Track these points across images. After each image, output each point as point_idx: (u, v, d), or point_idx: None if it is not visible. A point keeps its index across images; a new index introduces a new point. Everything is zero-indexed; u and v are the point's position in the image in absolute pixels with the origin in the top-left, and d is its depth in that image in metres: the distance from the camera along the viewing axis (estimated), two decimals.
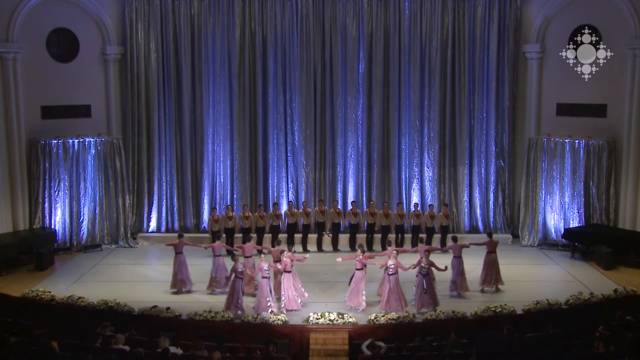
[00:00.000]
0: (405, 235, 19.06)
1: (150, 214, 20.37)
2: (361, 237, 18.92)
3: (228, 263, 15.14)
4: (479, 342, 11.17)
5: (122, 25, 19.81)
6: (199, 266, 16.47)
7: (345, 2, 19.94)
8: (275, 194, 20.42)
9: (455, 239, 15.82)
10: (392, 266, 14.32)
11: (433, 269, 14.49)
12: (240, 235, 18.45)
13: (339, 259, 15.39)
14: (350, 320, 13.44)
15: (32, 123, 18.61)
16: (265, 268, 14.29)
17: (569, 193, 19.19)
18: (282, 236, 18.66)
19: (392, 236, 18.71)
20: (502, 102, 20.24)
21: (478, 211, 20.55)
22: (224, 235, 18.16)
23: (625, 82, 18.11)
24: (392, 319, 13.38)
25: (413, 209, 19.23)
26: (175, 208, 20.46)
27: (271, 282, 14.60)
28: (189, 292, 15.60)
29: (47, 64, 18.89)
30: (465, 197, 20.50)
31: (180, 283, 15.57)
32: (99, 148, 19.38)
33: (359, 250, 14.88)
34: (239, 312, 13.93)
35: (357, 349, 12.33)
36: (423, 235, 18.23)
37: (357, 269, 14.54)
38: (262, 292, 14.18)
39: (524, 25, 20.06)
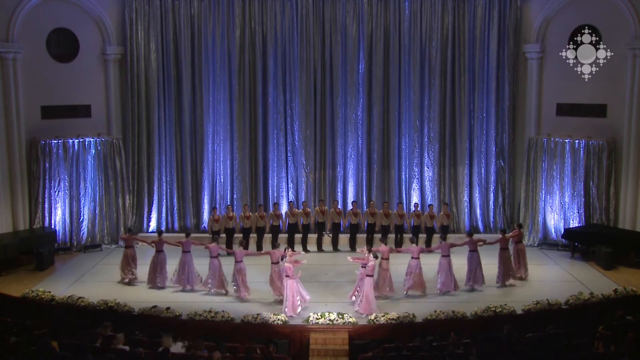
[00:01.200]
0: (405, 235, 19.01)
1: (150, 214, 20.37)
2: (361, 237, 18.94)
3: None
4: (479, 342, 11.21)
5: (122, 25, 19.80)
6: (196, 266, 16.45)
7: (345, 2, 19.94)
8: (275, 194, 20.42)
9: (470, 234, 16.39)
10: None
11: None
12: (241, 235, 18.51)
13: (350, 258, 15.32)
14: (350, 320, 13.45)
15: (32, 123, 18.61)
16: (292, 268, 14.33)
17: (569, 193, 19.18)
18: (282, 236, 18.73)
19: (391, 236, 18.73)
20: (502, 102, 20.24)
21: (478, 211, 20.56)
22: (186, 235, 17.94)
23: (625, 82, 18.10)
24: (392, 319, 13.40)
25: (413, 209, 19.23)
26: (175, 208, 20.46)
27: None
28: (130, 283, 16.22)
29: (47, 64, 18.88)
30: (465, 197, 20.51)
31: (126, 273, 16.34)
32: (99, 148, 19.38)
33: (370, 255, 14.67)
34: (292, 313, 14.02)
35: (357, 349, 12.35)
36: (378, 235, 18.22)
37: (368, 275, 14.37)
38: (292, 293, 14.19)
39: (524, 25, 20.06)
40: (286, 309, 14.07)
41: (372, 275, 14.33)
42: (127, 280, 16.28)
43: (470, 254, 15.83)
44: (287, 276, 14.29)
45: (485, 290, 15.74)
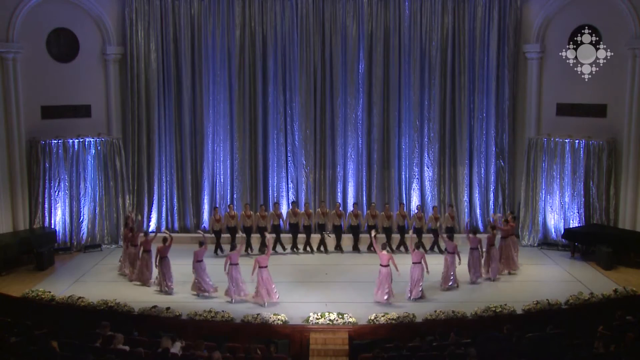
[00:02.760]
0: (406, 235, 18.97)
1: (150, 214, 20.36)
2: (363, 237, 18.91)
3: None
4: (479, 342, 11.21)
5: (122, 25, 19.80)
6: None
7: (345, 2, 19.94)
8: (275, 194, 20.42)
9: (475, 232, 17.04)
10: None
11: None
12: (243, 234, 18.51)
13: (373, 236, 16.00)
14: (350, 320, 13.45)
15: (32, 123, 18.60)
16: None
17: (569, 193, 19.18)
18: (285, 237, 18.77)
19: (395, 236, 18.72)
20: (502, 102, 20.24)
21: (478, 211, 20.56)
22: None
23: (625, 82, 18.09)
24: (392, 319, 13.40)
25: (415, 211, 19.15)
26: (175, 208, 20.47)
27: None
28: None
29: (47, 64, 18.88)
30: (465, 197, 20.51)
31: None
32: (99, 148, 19.38)
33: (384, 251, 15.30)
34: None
35: (357, 349, 12.34)
36: (382, 236, 18.48)
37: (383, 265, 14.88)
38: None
39: (524, 25, 20.05)
40: (265, 297, 14.55)
41: (387, 265, 14.75)
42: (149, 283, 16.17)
43: (472, 251, 16.27)
44: (261, 267, 14.66)
45: (485, 290, 15.77)
